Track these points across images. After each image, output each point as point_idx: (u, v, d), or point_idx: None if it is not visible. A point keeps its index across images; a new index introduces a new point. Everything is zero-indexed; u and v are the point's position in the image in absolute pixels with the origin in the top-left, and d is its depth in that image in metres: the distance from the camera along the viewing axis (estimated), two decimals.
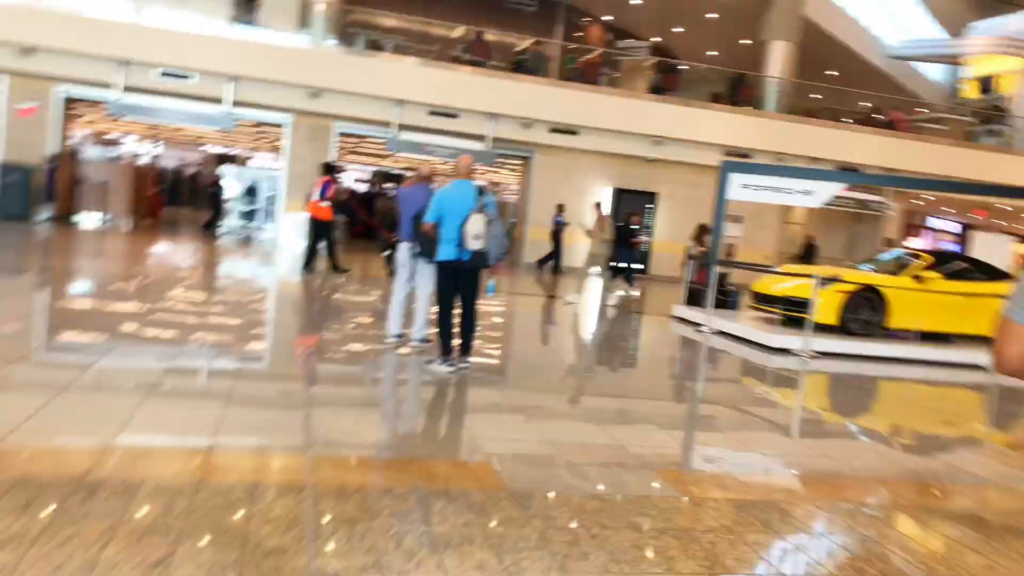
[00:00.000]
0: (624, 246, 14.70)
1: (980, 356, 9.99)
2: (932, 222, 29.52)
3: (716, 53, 25.37)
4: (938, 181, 17.66)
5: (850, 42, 24.76)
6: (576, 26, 23.80)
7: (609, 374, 8.15)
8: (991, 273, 11.20)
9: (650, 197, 20.12)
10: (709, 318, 10.64)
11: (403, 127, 18.41)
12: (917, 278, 10.42)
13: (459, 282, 6.35)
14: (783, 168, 14.81)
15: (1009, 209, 24.09)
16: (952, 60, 26.13)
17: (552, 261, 19.07)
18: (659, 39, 24.57)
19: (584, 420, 5.51)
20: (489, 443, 4.68)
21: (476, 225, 6.10)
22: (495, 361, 7.69)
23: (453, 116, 18.42)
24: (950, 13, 26.64)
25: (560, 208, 19.02)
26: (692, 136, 19.37)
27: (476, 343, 6.58)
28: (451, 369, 6.31)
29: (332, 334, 8.34)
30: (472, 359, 6.49)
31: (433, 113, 18.34)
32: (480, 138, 18.78)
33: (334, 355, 7.30)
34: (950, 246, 28.71)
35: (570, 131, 19.08)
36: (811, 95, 25.49)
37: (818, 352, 9.36)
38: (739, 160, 17.84)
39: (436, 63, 18.69)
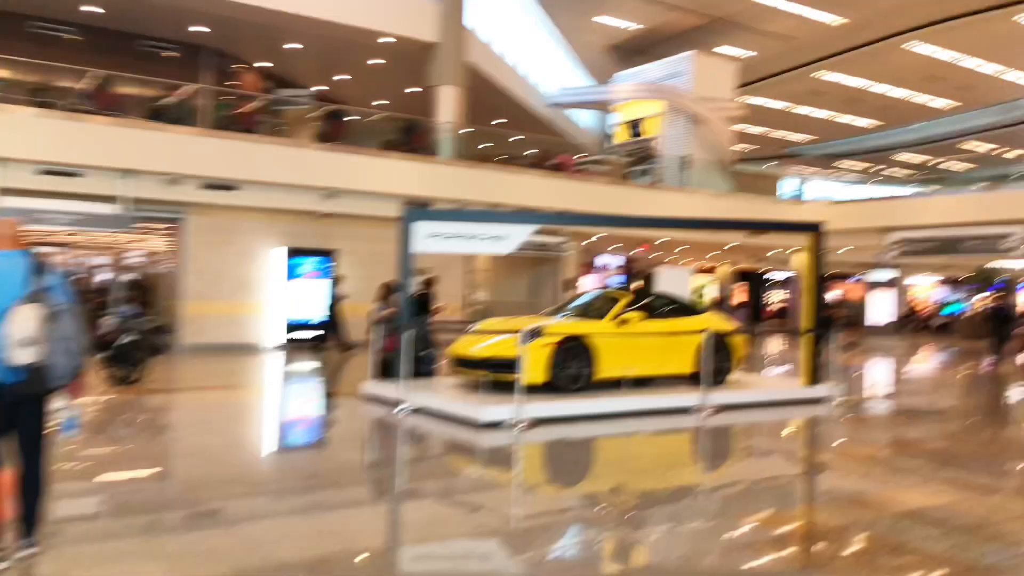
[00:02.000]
0: (423, 312, 11.36)
1: (687, 398, 9.43)
2: (602, 260, 31.12)
3: (386, 101, 24.39)
4: (628, 218, 17.75)
5: (513, 90, 25.21)
6: (227, 73, 21.28)
7: (276, 513, 5.83)
8: (682, 308, 10.94)
9: (328, 255, 18.18)
10: (406, 394, 8.95)
11: (5, 192, 14.54)
12: (621, 321, 9.68)
13: (7, 418, 3.92)
14: (472, 213, 13.67)
15: (661, 240, 25.75)
16: (603, 106, 27.87)
17: (338, 337, 17.10)
18: (324, 87, 22.97)
19: None
20: None
21: (24, 323, 3.75)
22: (86, 525, 5.16)
23: (75, 175, 14.98)
24: (597, 63, 28.49)
25: (338, 279, 17.41)
26: (367, 187, 17.83)
27: (47, 508, 4.14)
28: (2, 565, 3.81)
29: None
30: (41, 538, 4.03)
31: (47, 172, 14.75)
32: (111, 199, 15.48)
33: None
34: (619, 280, 30.41)
35: (227, 187, 16.52)
36: (485, 143, 25.52)
37: (533, 420, 8.09)
38: (422, 208, 16.67)
39: (51, 112, 15.12)
